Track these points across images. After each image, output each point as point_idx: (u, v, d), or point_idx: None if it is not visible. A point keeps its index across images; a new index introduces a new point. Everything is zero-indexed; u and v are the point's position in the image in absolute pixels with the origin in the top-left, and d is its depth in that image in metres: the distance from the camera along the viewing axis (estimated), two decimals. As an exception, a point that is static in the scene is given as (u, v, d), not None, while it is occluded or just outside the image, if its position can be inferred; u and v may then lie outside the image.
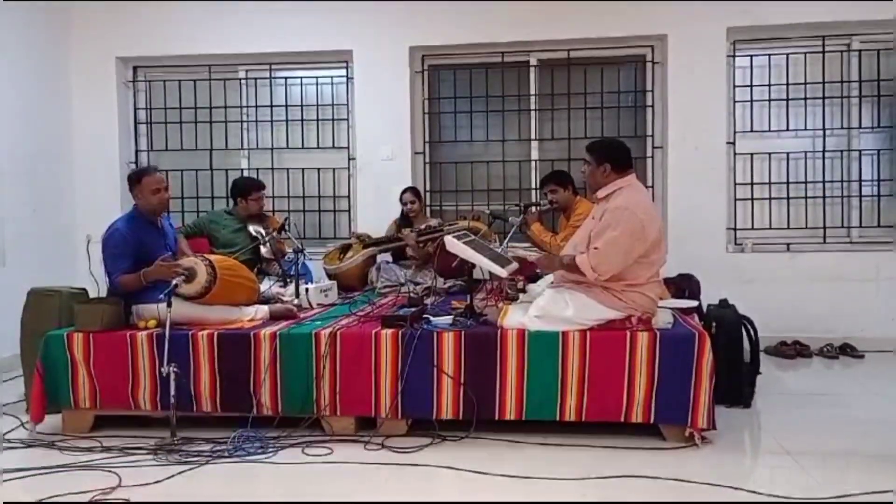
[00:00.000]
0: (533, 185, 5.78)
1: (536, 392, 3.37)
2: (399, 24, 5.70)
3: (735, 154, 5.60)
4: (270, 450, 3.26)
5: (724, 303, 4.28)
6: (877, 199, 5.52)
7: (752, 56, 5.59)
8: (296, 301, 4.30)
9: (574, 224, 4.63)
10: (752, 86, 5.58)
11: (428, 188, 5.90)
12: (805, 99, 5.56)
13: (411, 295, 4.31)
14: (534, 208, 5.08)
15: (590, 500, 2.77)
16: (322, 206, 6.08)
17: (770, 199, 5.61)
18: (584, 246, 3.48)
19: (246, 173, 5.95)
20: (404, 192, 5.46)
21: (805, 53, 5.54)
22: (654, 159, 5.70)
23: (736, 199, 5.61)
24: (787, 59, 5.56)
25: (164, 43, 5.90)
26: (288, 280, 4.60)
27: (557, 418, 3.37)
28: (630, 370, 3.32)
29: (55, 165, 5.75)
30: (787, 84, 5.55)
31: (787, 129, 5.59)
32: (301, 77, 6.06)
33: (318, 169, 6.04)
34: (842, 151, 5.58)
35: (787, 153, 5.58)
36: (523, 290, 4.07)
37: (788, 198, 5.58)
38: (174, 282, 3.47)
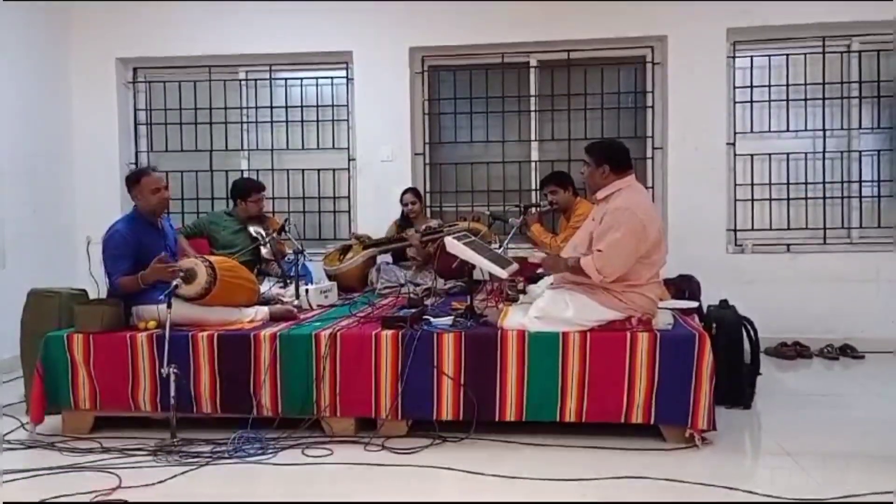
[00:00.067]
0: (533, 186, 5.78)
1: (536, 393, 3.37)
2: (399, 24, 5.70)
3: (735, 155, 5.60)
4: (270, 451, 3.26)
5: (724, 304, 4.28)
6: (877, 200, 5.52)
7: (752, 57, 5.59)
8: (296, 302, 4.30)
9: (574, 225, 4.64)
10: (752, 86, 5.58)
11: (428, 189, 5.90)
12: (805, 100, 5.56)
13: (411, 296, 4.30)
14: (534, 209, 5.08)
15: (590, 501, 2.77)
16: (322, 207, 6.08)
17: (770, 199, 5.61)
18: (585, 247, 3.48)
19: (246, 174, 5.95)
20: (405, 192, 5.46)
21: (805, 54, 5.55)
22: (654, 160, 5.70)
23: (736, 200, 5.61)
24: (788, 59, 5.56)
25: (164, 44, 5.90)
26: (288, 281, 4.60)
27: (557, 419, 3.37)
28: (630, 371, 3.31)
29: (55, 166, 5.75)
30: (787, 85, 5.55)
31: (788, 130, 5.59)
32: (301, 78, 6.06)
33: (318, 170, 6.04)
34: (842, 152, 5.58)
35: (788, 154, 5.58)
36: (523, 291, 4.07)
37: (788, 199, 5.58)
38: (174, 283, 3.46)
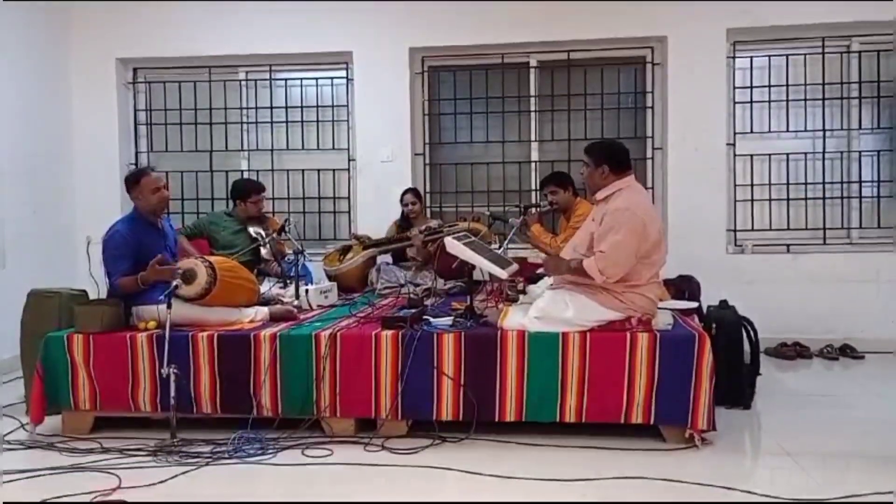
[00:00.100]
0: (533, 187, 5.78)
1: (536, 393, 3.37)
2: (399, 25, 5.70)
3: (735, 155, 5.60)
4: (270, 451, 3.26)
5: (724, 304, 4.28)
6: (877, 201, 5.52)
7: (751, 57, 5.59)
8: (296, 302, 4.30)
9: (574, 225, 4.63)
10: (752, 87, 5.59)
11: (428, 189, 5.90)
12: (805, 100, 5.56)
13: (411, 296, 4.31)
14: (534, 209, 5.08)
15: (589, 501, 2.77)
16: (322, 208, 6.08)
17: (770, 200, 5.61)
18: (585, 247, 3.48)
19: (246, 174, 5.96)
20: (405, 193, 5.46)
21: (805, 54, 5.55)
22: (654, 160, 5.70)
23: (736, 201, 5.61)
24: (787, 60, 5.56)
25: (165, 44, 5.90)
26: (288, 281, 4.60)
27: (557, 419, 3.37)
28: (630, 371, 3.31)
29: (55, 166, 5.75)
30: (787, 85, 5.56)
31: (787, 131, 5.59)
32: (301, 78, 6.06)
33: (318, 170, 6.04)
34: (842, 152, 5.58)
35: (787, 154, 5.58)
36: (523, 292, 4.08)
37: (788, 199, 5.58)
38: (174, 283, 3.46)
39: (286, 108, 6.07)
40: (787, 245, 5.51)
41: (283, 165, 6.11)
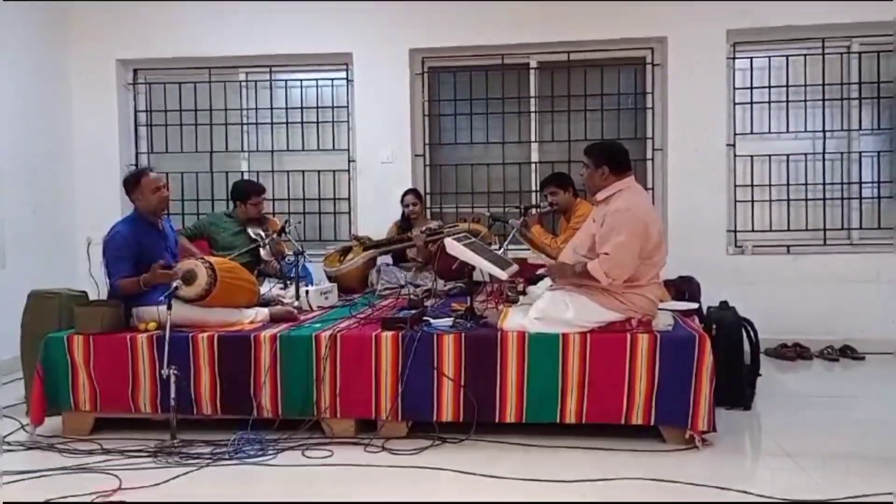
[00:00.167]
0: (533, 188, 5.78)
1: (536, 394, 3.37)
2: (399, 26, 5.70)
3: (735, 156, 5.60)
4: (270, 452, 3.26)
5: (724, 305, 4.28)
6: (877, 201, 5.52)
7: (751, 58, 5.59)
8: (296, 303, 4.29)
9: (574, 226, 4.63)
10: (752, 87, 5.59)
11: (428, 190, 5.90)
12: (805, 101, 5.56)
13: (411, 297, 4.31)
14: (534, 210, 5.08)
15: (589, 502, 2.77)
16: (322, 209, 6.08)
17: (770, 200, 5.61)
18: (585, 248, 3.48)
19: (246, 175, 5.96)
20: (406, 193, 5.46)
21: (805, 55, 5.55)
22: (655, 161, 5.70)
23: (736, 201, 5.61)
24: (787, 60, 5.56)
25: (165, 45, 5.90)
26: (288, 282, 4.60)
27: (558, 420, 3.37)
28: (630, 372, 3.31)
29: (55, 167, 5.75)
30: (787, 86, 5.56)
31: (787, 131, 5.59)
32: (301, 79, 6.06)
33: (319, 171, 6.04)
34: (842, 153, 5.58)
35: (787, 155, 5.58)
36: (523, 293, 4.08)
37: (789, 200, 5.58)
38: (174, 284, 3.46)
39: (286, 109, 6.07)
40: (788, 246, 5.51)
41: (284, 166, 6.11)
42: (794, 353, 5.17)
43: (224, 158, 6.14)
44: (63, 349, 3.58)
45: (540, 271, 4.18)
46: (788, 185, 5.58)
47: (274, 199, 5.94)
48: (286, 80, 6.09)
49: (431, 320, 3.69)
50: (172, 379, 3.31)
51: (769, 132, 5.61)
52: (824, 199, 5.56)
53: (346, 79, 5.97)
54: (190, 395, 3.49)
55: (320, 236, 6.08)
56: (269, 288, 4.56)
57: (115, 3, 5.84)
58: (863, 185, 5.54)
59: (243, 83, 6.10)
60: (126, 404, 3.58)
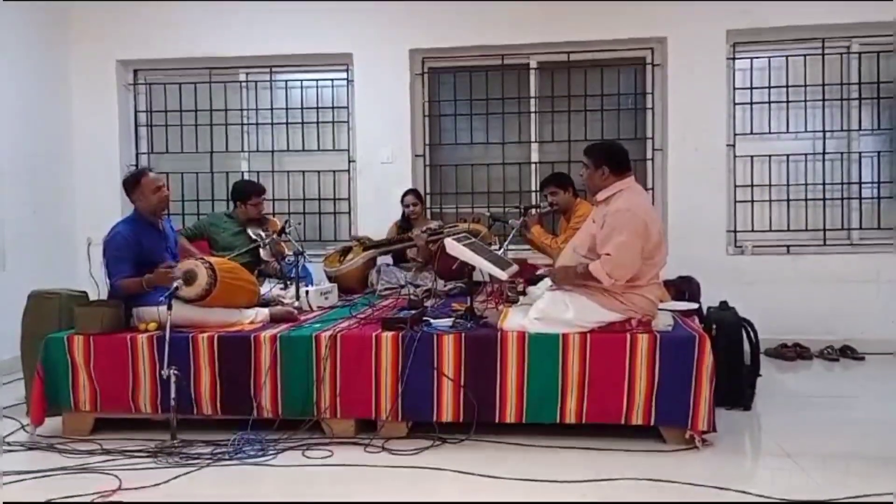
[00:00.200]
0: (533, 188, 5.78)
1: (536, 394, 3.37)
2: (399, 26, 5.70)
3: (735, 156, 5.60)
4: (271, 452, 3.26)
5: (724, 305, 4.28)
6: (877, 202, 5.52)
7: (751, 58, 5.60)
8: (296, 303, 4.29)
9: (574, 226, 4.63)
10: (751, 88, 5.59)
11: (428, 191, 5.90)
12: (805, 101, 5.57)
13: (411, 297, 4.31)
14: (534, 210, 5.08)
15: (589, 502, 2.77)
16: (322, 209, 6.08)
17: (770, 201, 5.61)
18: (585, 249, 3.49)
19: (246, 176, 5.96)
20: (406, 194, 5.46)
21: (805, 55, 5.55)
22: (654, 161, 5.71)
23: (736, 202, 5.61)
24: (787, 61, 5.56)
25: (165, 45, 5.90)
26: (288, 283, 4.60)
27: (558, 421, 3.37)
28: (630, 372, 3.31)
29: (55, 167, 5.76)
30: (787, 86, 5.56)
31: (787, 132, 5.59)
32: (301, 80, 6.07)
33: (319, 171, 6.04)
34: (842, 153, 5.58)
35: (787, 155, 5.58)
36: (523, 293, 4.07)
37: (788, 200, 5.58)
38: (174, 284, 3.47)
39: (286, 109, 6.08)
40: (788, 246, 5.51)
41: (284, 167, 6.11)
42: (794, 353, 5.17)
43: (224, 159, 6.14)
44: (63, 349, 3.58)
45: (540, 272, 4.19)
46: (788, 185, 5.58)
47: (274, 200, 5.94)
48: (286, 81, 6.09)
49: (431, 320, 3.69)
50: (172, 379, 3.32)
51: (769, 132, 5.61)
52: (824, 199, 5.56)
53: (346, 79, 5.97)
54: (190, 396, 3.49)
55: (320, 237, 6.08)
56: (269, 288, 4.56)
57: (115, 3, 5.84)
58: (863, 186, 5.54)
59: (243, 83, 6.10)
60: (126, 404, 3.58)
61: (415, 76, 5.83)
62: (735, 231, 5.60)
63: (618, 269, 3.31)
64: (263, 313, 3.90)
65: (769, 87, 5.59)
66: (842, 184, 5.57)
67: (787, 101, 5.56)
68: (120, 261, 3.72)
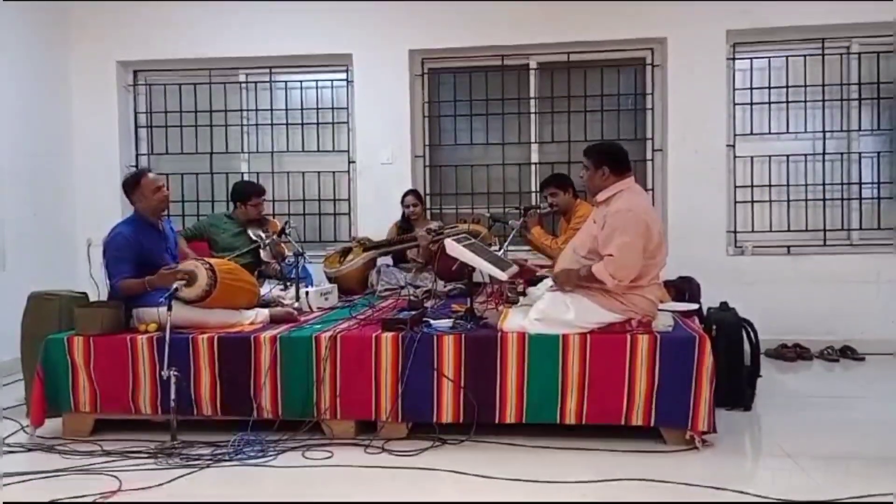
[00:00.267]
0: (533, 189, 5.78)
1: (537, 395, 3.36)
2: (399, 27, 5.71)
3: (735, 156, 5.60)
4: (271, 453, 3.26)
5: (724, 305, 4.28)
6: (877, 202, 5.52)
7: (751, 58, 5.60)
8: (296, 304, 4.29)
9: (574, 227, 4.64)
10: (751, 88, 5.59)
11: (428, 191, 5.90)
12: (805, 101, 5.57)
13: (411, 298, 4.31)
14: (534, 211, 5.08)
15: (590, 502, 2.77)
16: (322, 210, 6.08)
17: (770, 201, 5.61)
18: (585, 249, 3.49)
19: (246, 177, 5.97)
20: (406, 194, 5.46)
21: (805, 56, 5.55)
22: (654, 162, 5.71)
23: (736, 202, 5.61)
24: (787, 61, 5.56)
25: (165, 47, 5.91)
26: (288, 283, 4.60)
27: (558, 421, 3.37)
28: (630, 373, 3.31)
29: (55, 168, 5.76)
30: (787, 86, 5.56)
31: (787, 132, 5.59)
32: (301, 80, 6.07)
33: (319, 172, 6.04)
34: (842, 154, 5.58)
35: (787, 156, 5.58)
36: (523, 294, 4.07)
37: (788, 200, 5.58)
38: (174, 286, 3.47)
39: (286, 110, 6.08)
40: (788, 246, 5.51)
41: (284, 167, 6.11)
42: (794, 353, 5.17)
43: (224, 159, 6.14)
44: (63, 350, 3.58)
45: (540, 272, 4.19)
46: (788, 185, 5.58)
47: (274, 201, 5.94)
48: (286, 82, 6.09)
49: (431, 321, 3.68)
50: (172, 380, 3.32)
51: (769, 133, 5.61)
52: (824, 199, 5.56)
53: (346, 80, 5.97)
54: (190, 397, 3.49)
55: (320, 237, 6.08)
56: (269, 289, 4.56)
57: (115, 3, 5.84)
58: (863, 186, 5.54)
59: (243, 84, 6.10)
60: (126, 405, 3.58)
61: (415, 77, 5.83)
62: (735, 231, 5.60)
63: (621, 269, 3.31)
64: (263, 314, 3.90)
65: (769, 88, 5.59)
66: (842, 184, 5.57)
67: (787, 102, 5.56)
68: (120, 261, 3.72)
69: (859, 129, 5.55)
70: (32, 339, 3.82)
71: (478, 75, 5.87)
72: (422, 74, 5.89)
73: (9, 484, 2.95)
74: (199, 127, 6.12)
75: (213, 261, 3.85)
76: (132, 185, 3.87)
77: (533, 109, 5.85)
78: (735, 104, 5.59)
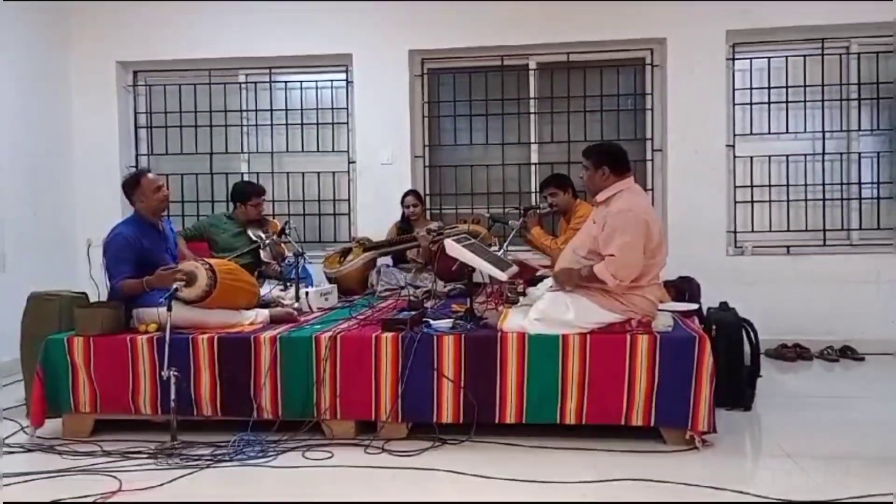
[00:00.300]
0: (533, 189, 5.78)
1: (537, 395, 3.36)
2: (398, 27, 5.71)
3: (735, 157, 5.60)
4: (271, 453, 3.26)
5: (724, 305, 4.28)
6: (876, 202, 5.52)
7: (751, 59, 5.59)
8: (296, 305, 4.29)
9: (574, 227, 4.64)
10: (751, 88, 5.59)
11: (428, 192, 5.90)
12: (804, 101, 5.57)
13: (411, 298, 4.31)
14: (534, 211, 5.08)
15: (590, 502, 2.77)
16: (322, 210, 6.08)
17: (770, 201, 5.61)
18: (585, 250, 3.49)
19: (246, 177, 5.96)
20: (406, 194, 5.46)
21: (804, 56, 5.55)
22: (654, 162, 5.71)
23: (736, 202, 5.61)
24: (787, 61, 5.56)
25: (165, 47, 5.91)
26: (288, 284, 4.60)
27: (558, 421, 3.37)
28: (630, 373, 3.31)
29: (55, 169, 5.76)
30: (787, 87, 5.56)
31: (787, 132, 5.59)
32: (301, 81, 6.07)
33: (318, 173, 6.04)
34: (841, 154, 5.58)
35: (787, 156, 5.58)
36: (523, 294, 4.07)
37: (788, 200, 5.58)
38: (174, 286, 3.47)
39: (286, 110, 6.08)
40: (787, 246, 5.51)
41: (283, 168, 6.11)
42: (794, 353, 5.17)
43: (224, 160, 6.14)
44: (63, 351, 3.58)
45: (541, 272, 4.19)
46: (788, 185, 5.58)
47: (274, 201, 5.94)
48: (286, 82, 6.09)
49: (431, 321, 3.68)
50: (172, 380, 3.31)
51: (769, 133, 5.61)
52: (824, 199, 5.56)
53: (346, 80, 5.97)
54: (190, 397, 3.49)
55: (320, 238, 6.08)
56: (269, 289, 4.56)
57: (115, 4, 5.84)
58: (862, 186, 5.54)
59: (243, 85, 6.10)
60: (126, 406, 3.58)
61: (414, 77, 5.83)
62: (735, 231, 5.60)
63: (623, 269, 3.31)
64: (263, 314, 3.90)
65: (769, 88, 5.59)
66: (841, 184, 5.57)
67: (787, 102, 5.56)
68: (121, 262, 3.73)
69: (859, 129, 5.55)
70: (32, 339, 3.82)
71: (477, 75, 5.87)
72: (422, 75, 5.89)
73: (9, 484, 2.95)
74: (199, 127, 6.12)
75: (212, 261, 3.85)
76: (132, 185, 3.87)
77: (532, 110, 5.85)
78: (735, 104, 5.59)
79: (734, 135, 5.59)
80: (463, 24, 5.63)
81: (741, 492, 2.77)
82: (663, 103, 5.62)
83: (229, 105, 6.09)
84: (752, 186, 5.59)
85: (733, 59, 5.59)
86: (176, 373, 3.32)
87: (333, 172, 6.06)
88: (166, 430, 3.39)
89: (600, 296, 3.39)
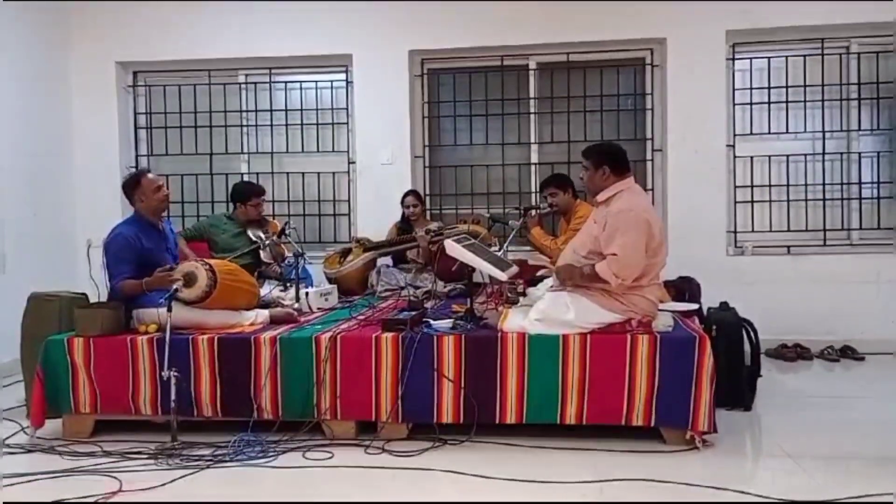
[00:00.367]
0: (533, 189, 5.78)
1: (537, 395, 3.36)
2: (398, 27, 5.71)
3: (735, 156, 5.60)
4: (271, 454, 3.26)
5: (724, 305, 4.28)
6: (877, 202, 5.52)
7: (751, 59, 5.59)
8: (296, 305, 4.29)
9: (574, 227, 4.64)
10: (751, 88, 5.59)
11: (428, 192, 5.90)
12: (804, 101, 5.56)
13: (411, 298, 4.31)
14: (534, 212, 5.08)
15: (590, 502, 2.77)
16: (322, 210, 6.08)
17: (770, 201, 5.61)
18: (585, 250, 3.49)
19: (246, 177, 5.96)
20: (406, 195, 5.46)
21: (804, 56, 5.55)
22: (654, 162, 5.71)
23: (736, 202, 5.61)
24: (787, 61, 5.56)
25: (164, 47, 5.91)
26: (288, 284, 4.60)
27: (558, 422, 3.37)
28: (630, 373, 3.31)
29: (55, 169, 5.76)
30: (787, 86, 5.56)
31: (787, 132, 5.59)
32: (301, 81, 6.07)
33: (318, 173, 6.04)
34: (841, 154, 5.58)
35: (787, 156, 5.58)
36: (523, 294, 4.07)
37: (788, 200, 5.58)
38: (174, 286, 3.47)
39: (286, 110, 6.07)
40: (788, 246, 5.51)
41: (283, 168, 6.11)
42: (794, 353, 5.17)
43: (224, 160, 6.14)
44: (63, 351, 3.58)
45: (541, 272, 4.19)
46: (788, 185, 5.58)
47: (274, 201, 5.94)
48: (286, 82, 6.09)
49: (431, 322, 3.69)
50: (173, 381, 3.32)
51: (769, 133, 5.61)
52: (824, 199, 5.56)
53: (346, 80, 5.97)
54: (190, 397, 3.49)
55: (320, 238, 6.08)
56: (269, 290, 4.56)
57: (115, 4, 5.84)
58: (862, 186, 5.54)
59: (243, 85, 6.10)
60: (126, 406, 3.58)
61: (414, 77, 5.83)
62: (735, 231, 5.60)
63: (624, 269, 3.31)
64: (263, 315, 3.90)
65: (769, 88, 5.59)
66: (842, 184, 5.57)
67: (787, 102, 5.56)
68: (121, 262, 3.73)
69: (859, 129, 5.55)
70: (32, 339, 3.82)
71: (477, 76, 5.87)
72: (421, 75, 5.89)
73: (9, 485, 2.95)
74: (199, 128, 6.12)
75: (212, 261, 3.84)
76: (132, 185, 3.88)
77: (532, 110, 5.85)
78: (735, 104, 5.59)
79: (734, 135, 5.59)
80: (463, 24, 5.63)
81: (742, 492, 2.77)
82: (663, 103, 5.62)
83: (229, 105, 6.09)
84: (752, 186, 5.59)
85: (733, 59, 5.59)
86: (176, 373, 3.32)
87: (333, 173, 6.06)
88: (166, 431, 3.39)
89: (600, 296, 3.39)
